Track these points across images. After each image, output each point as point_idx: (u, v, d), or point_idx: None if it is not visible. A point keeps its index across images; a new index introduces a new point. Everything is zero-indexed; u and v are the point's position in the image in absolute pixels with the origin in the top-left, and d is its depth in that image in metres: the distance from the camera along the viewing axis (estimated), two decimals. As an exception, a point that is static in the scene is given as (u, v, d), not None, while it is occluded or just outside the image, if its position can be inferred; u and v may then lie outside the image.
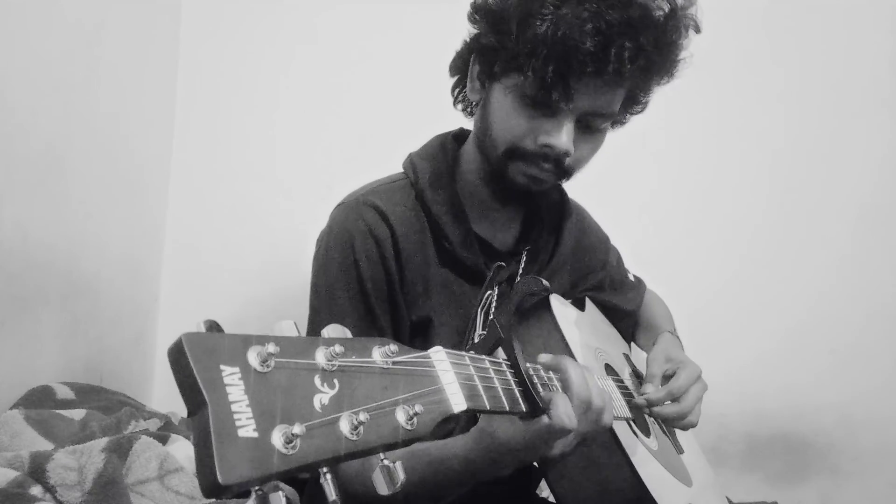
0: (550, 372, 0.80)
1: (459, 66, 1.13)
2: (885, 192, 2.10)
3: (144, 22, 1.92)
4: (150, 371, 2.03)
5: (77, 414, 1.46)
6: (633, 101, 1.09)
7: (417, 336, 1.07)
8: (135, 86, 1.88)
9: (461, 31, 1.09)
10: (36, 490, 1.15)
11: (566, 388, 0.76)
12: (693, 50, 1.04)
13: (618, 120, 1.11)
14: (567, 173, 1.04)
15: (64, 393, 1.54)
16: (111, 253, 1.81)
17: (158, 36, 2.01)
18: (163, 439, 1.37)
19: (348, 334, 0.51)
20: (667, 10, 0.97)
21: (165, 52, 2.04)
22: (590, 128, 1.01)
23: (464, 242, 1.09)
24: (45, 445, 1.30)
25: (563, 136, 0.97)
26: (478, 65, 1.07)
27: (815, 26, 2.10)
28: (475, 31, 1.06)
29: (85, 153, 1.67)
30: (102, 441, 1.25)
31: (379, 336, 1.02)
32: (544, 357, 0.79)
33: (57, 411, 1.44)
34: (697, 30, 1.02)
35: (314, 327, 1.05)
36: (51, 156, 1.55)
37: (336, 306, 1.02)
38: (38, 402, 1.46)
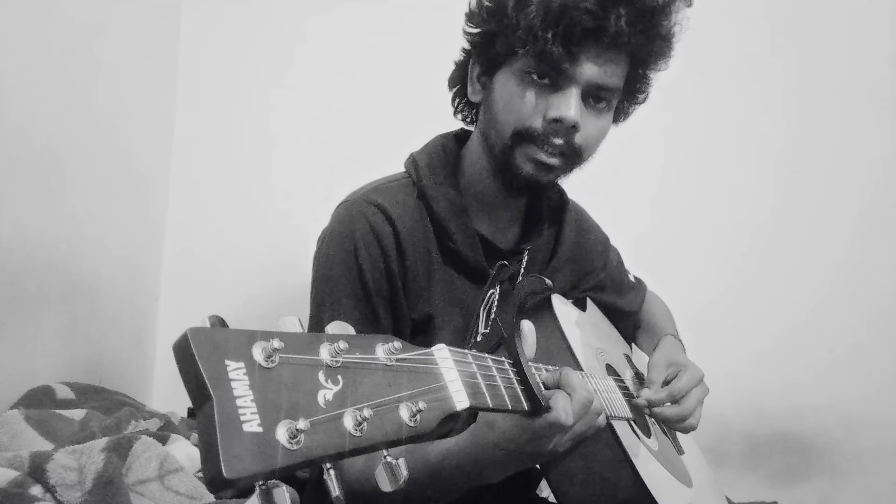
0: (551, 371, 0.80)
1: (459, 76, 1.15)
2: (886, 193, 2.10)
3: (144, 22, 1.92)
4: (149, 371, 2.03)
5: (77, 414, 1.45)
6: (635, 88, 1.09)
7: (418, 334, 1.07)
8: (135, 86, 1.88)
9: (460, 33, 1.10)
10: (36, 490, 1.15)
11: (569, 388, 0.76)
12: (687, 33, 1.05)
13: (621, 109, 1.12)
14: (576, 154, 1.03)
15: (64, 393, 1.54)
16: (111, 253, 1.81)
17: (158, 36, 2.01)
18: (163, 439, 1.37)
19: (352, 331, 0.51)
20: None
21: (165, 52, 2.04)
22: (595, 105, 1.01)
23: (467, 241, 1.09)
24: (45, 445, 1.30)
25: (570, 108, 0.97)
26: (478, 65, 1.08)
27: (816, 26, 2.10)
28: (472, 32, 1.07)
29: (85, 153, 1.67)
30: (102, 441, 1.25)
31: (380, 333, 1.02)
32: (548, 381, 0.79)
33: (57, 411, 1.44)
34: (689, 3, 1.03)
35: (316, 324, 1.05)
36: (50, 156, 1.55)
37: (337, 303, 1.02)
38: (38, 402, 1.46)
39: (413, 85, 1.94)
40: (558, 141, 0.99)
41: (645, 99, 1.13)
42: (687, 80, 2.02)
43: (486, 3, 1.03)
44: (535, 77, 0.98)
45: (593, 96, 1.00)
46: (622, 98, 1.08)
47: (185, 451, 1.37)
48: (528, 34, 0.94)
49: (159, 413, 1.68)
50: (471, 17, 1.07)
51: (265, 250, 2.05)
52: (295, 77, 2.08)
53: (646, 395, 1.07)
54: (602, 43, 0.95)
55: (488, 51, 1.03)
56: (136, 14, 1.86)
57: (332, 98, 2.07)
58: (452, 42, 1.14)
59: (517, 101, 1.00)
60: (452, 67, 1.17)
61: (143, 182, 1.97)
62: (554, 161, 1.01)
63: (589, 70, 0.97)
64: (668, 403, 1.07)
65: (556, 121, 0.98)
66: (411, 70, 1.97)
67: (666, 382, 1.11)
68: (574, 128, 0.98)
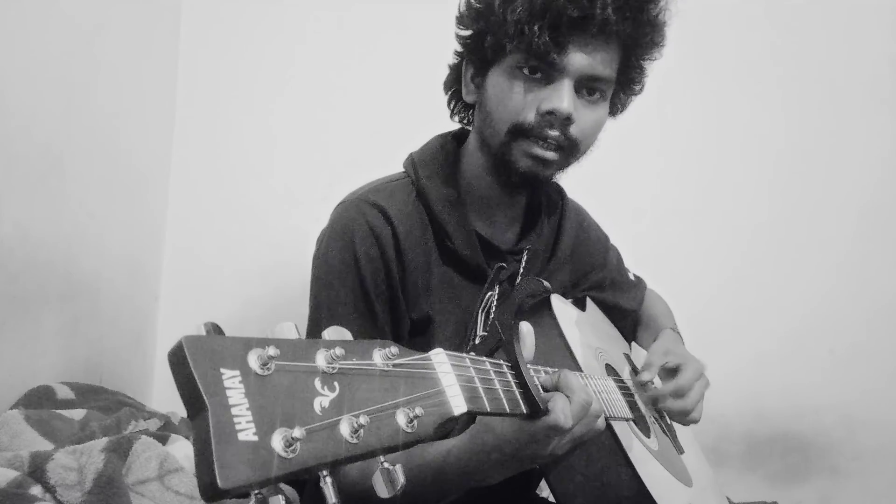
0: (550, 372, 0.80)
1: (453, 78, 1.16)
2: (886, 192, 2.10)
3: (144, 22, 1.92)
4: (150, 371, 2.03)
5: (77, 414, 1.45)
6: (629, 78, 1.09)
7: (417, 334, 1.08)
8: (135, 86, 1.88)
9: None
10: (36, 490, 1.15)
11: (568, 390, 0.76)
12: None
13: (618, 101, 1.12)
14: (573, 147, 1.02)
15: (64, 393, 1.54)
16: (111, 253, 1.81)
17: (158, 36, 2.01)
18: (163, 439, 1.37)
19: (349, 336, 0.51)
20: None
21: (165, 52, 2.04)
22: (589, 96, 1.01)
23: (465, 240, 1.09)
24: (45, 445, 1.30)
25: (563, 100, 0.97)
26: (471, 66, 1.09)
27: (816, 26, 2.10)
28: (463, 35, 1.08)
29: (85, 153, 1.67)
30: (102, 441, 1.25)
31: (378, 335, 1.02)
32: (547, 383, 0.79)
33: (57, 411, 1.44)
34: None
35: (314, 325, 1.05)
36: (51, 156, 1.55)
37: (336, 304, 1.02)
38: (38, 402, 1.46)
39: (413, 85, 1.94)
40: (554, 133, 0.99)
41: (641, 90, 1.13)
42: (686, 79, 2.03)
43: (475, 4, 1.04)
44: (526, 72, 0.99)
45: (586, 88, 1.01)
46: (617, 89, 1.08)
47: (184, 451, 1.37)
48: (516, 28, 0.95)
49: (159, 413, 1.68)
50: (461, 20, 1.08)
51: (265, 250, 2.05)
52: (295, 77, 2.07)
53: (646, 377, 1.08)
54: (590, 32, 0.96)
55: (479, 51, 1.04)
56: (136, 14, 1.86)
57: (333, 98, 2.06)
58: (453, 42, 1.14)
59: (510, 96, 1.00)
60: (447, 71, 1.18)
61: (143, 182, 1.97)
62: (551, 154, 1.01)
63: (579, 60, 0.97)
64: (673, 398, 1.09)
65: (550, 113, 0.98)
66: (411, 70, 1.96)
67: (666, 371, 1.12)
68: (568, 120, 0.98)
